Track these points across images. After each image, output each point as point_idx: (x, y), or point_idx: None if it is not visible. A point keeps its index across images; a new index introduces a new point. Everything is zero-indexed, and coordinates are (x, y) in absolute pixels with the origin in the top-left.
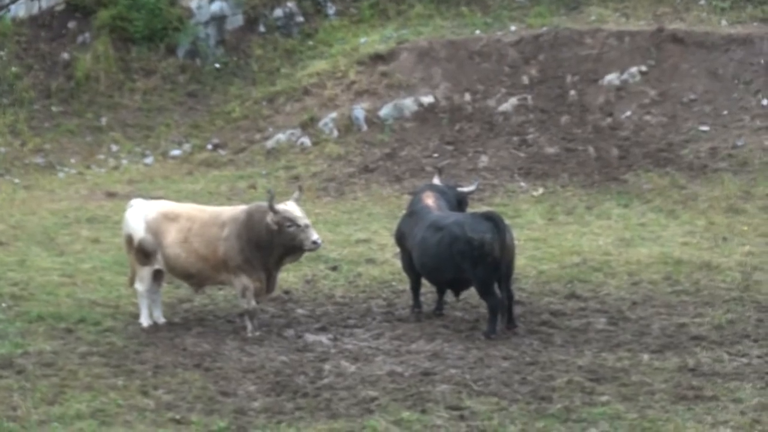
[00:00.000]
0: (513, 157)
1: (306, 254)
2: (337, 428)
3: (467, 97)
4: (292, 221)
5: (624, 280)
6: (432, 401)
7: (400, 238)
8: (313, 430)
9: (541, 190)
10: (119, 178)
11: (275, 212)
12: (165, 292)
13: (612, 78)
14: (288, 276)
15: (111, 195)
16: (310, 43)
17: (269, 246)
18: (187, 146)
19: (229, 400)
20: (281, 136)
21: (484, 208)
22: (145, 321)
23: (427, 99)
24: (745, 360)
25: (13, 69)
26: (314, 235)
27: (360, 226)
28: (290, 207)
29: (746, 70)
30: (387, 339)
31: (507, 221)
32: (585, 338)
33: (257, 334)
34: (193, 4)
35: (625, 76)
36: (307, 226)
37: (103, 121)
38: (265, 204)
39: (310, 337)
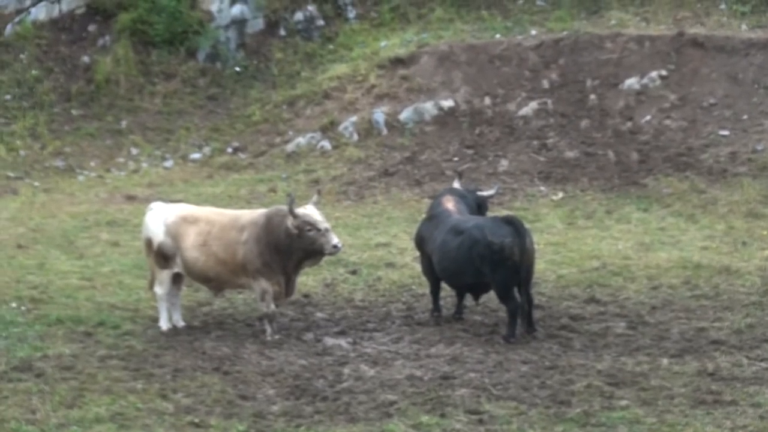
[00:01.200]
0: (533, 161)
1: (325, 258)
2: None
3: (487, 101)
4: (312, 225)
5: (643, 284)
6: (451, 405)
7: (420, 242)
8: None
9: (560, 194)
10: (139, 181)
11: (295, 216)
12: (184, 296)
13: (632, 82)
14: (307, 280)
15: (131, 198)
16: (331, 46)
17: (288, 250)
18: (207, 149)
19: (248, 403)
20: (301, 140)
21: (504, 212)
22: (164, 324)
23: (448, 103)
24: (764, 364)
25: (34, 72)
26: (335, 239)
27: (380, 229)
28: (310, 211)
29: (766, 75)
30: (406, 343)
31: (527, 225)
32: (604, 342)
33: (276, 337)
34: (214, 8)
35: (645, 80)
36: (327, 230)
37: (123, 124)
38: (284, 208)
39: (329, 341)
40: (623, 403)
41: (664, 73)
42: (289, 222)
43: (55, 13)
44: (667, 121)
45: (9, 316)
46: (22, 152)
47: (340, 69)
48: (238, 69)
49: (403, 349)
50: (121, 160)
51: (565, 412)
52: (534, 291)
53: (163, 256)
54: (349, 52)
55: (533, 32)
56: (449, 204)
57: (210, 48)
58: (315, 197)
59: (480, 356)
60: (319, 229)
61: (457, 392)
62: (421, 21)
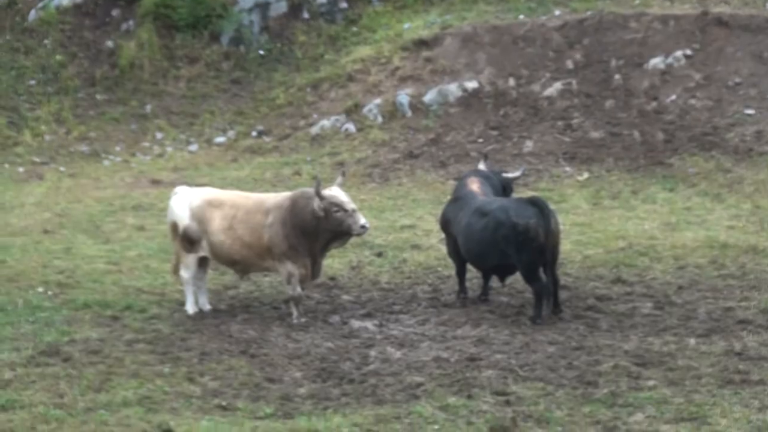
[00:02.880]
0: (558, 142)
1: (351, 240)
2: (383, 414)
3: (511, 82)
4: (339, 206)
5: (670, 264)
6: (478, 387)
7: (445, 224)
8: (359, 416)
9: (586, 175)
10: (164, 165)
11: (322, 198)
12: (210, 279)
13: (657, 62)
14: (333, 262)
15: (156, 182)
16: (354, 29)
17: (315, 232)
18: (231, 133)
19: (275, 386)
20: (326, 123)
21: (530, 193)
22: (190, 308)
23: (472, 84)
24: None
25: (58, 57)
26: (362, 219)
27: (405, 212)
28: (336, 192)
29: None
30: (433, 325)
31: (552, 206)
32: (631, 323)
33: (303, 320)
34: None
35: (669, 59)
36: (354, 211)
37: (148, 108)
38: (309, 190)
39: (355, 324)
40: (650, 383)
41: (688, 52)
42: (316, 204)
43: None
44: (692, 101)
45: (36, 301)
46: (47, 137)
47: (364, 51)
48: (261, 52)
49: (429, 331)
50: (146, 144)
51: (592, 392)
52: (560, 272)
53: (188, 240)
54: (372, 35)
55: (557, 12)
56: (474, 185)
57: (233, 31)
58: (339, 178)
59: (506, 337)
60: (346, 210)
61: (483, 374)
62: (444, 2)
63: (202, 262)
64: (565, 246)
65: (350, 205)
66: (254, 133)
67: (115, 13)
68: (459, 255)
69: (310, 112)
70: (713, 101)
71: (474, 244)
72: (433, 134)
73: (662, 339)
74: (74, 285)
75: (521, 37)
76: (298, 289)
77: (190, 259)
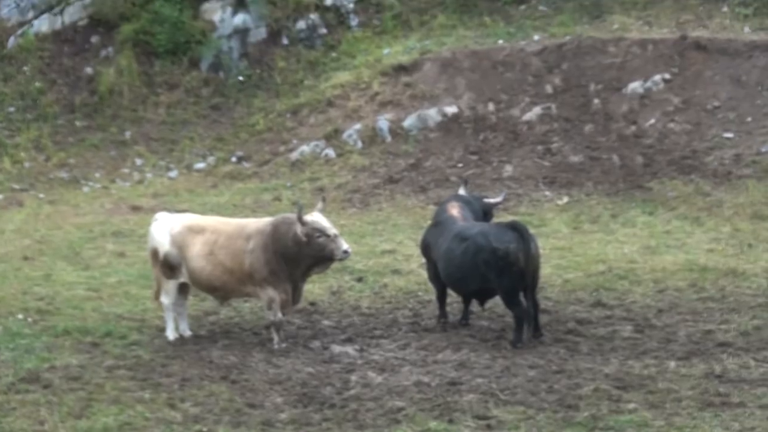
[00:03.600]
0: (537, 166)
1: (331, 265)
2: None
3: (491, 106)
4: (322, 231)
5: (650, 287)
6: (459, 411)
7: (426, 249)
8: None
9: (565, 199)
10: (144, 191)
11: (304, 223)
12: (191, 305)
13: (635, 86)
14: (314, 287)
15: (136, 209)
16: (334, 54)
17: (296, 257)
18: (211, 159)
19: (256, 412)
20: (305, 148)
21: (510, 218)
22: (171, 334)
23: (451, 109)
24: None
25: (37, 84)
26: (344, 245)
27: (385, 237)
28: (317, 218)
29: None
30: (413, 349)
31: (532, 230)
32: (611, 346)
33: (284, 345)
34: (216, 18)
35: (648, 84)
36: (336, 236)
37: (127, 135)
38: (291, 215)
39: (336, 349)
40: (631, 406)
41: (667, 76)
42: (299, 229)
43: (58, 25)
44: (671, 125)
45: (16, 328)
46: (26, 164)
47: (343, 77)
48: (241, 78)
49: (410, 356)
50: (126, 170)
51: (572, 416)
52: (540, 295)
53: (169, 266)
54: (352, 60)
55: (536, 37)
56: (454, 210)
57: (213, 58)
58: (320, 204)
59: (487, 361)
60: (328, 235)
61: (464, 398)
62: (424, 28)
63: (183, 288)
64: (545, 270)
65: (332, 230)
66: (234, 159)
67: (94, 39)
68: (439, 280)
69: (290, 138)
70: (692, 125)
71: (454, 269)
72: (412, 159)
73: (642, 362)
74: (54, 312)
75: (500, 62)
76: (279, 315)
77: (171, 285)
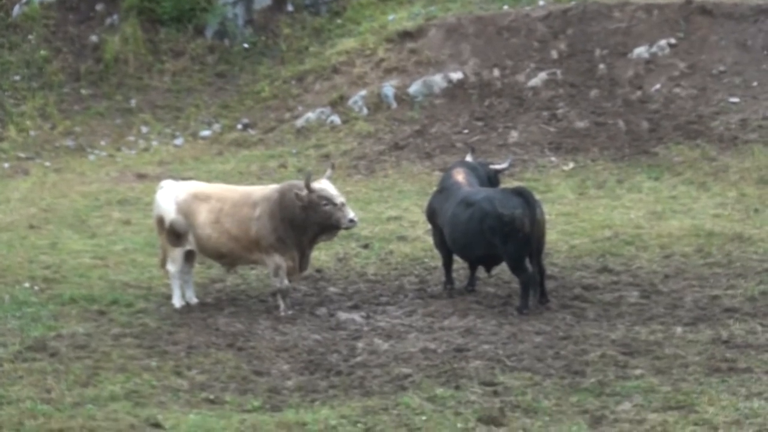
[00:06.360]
0: (543, 132)
1: (339, 232)
2: (370, 406)
3: (496, 72)
4: (329, 200)
5: (656, 253)
6: (465, 377)
7: (431, 215)
8: (346, 408)
9: (571, 165)
10: (149, 159)
11: (311, 191)
12: (197, 273)
13: (641, 51)
14: (320, 254)
15: (141, 177)
16: (339, 21)
17: (303, 225)
18: (216, 126)
19: (262, 379)
20: (311, 115)
21: (515, 184)
22: (177, 302)
23: (456, 75)
24: None
25: (42, 52)
26: (351, 213)
27: (391, 203)
28: (325, 185)
29: None
30: (420, 316)
31: (538, 196)
32: (618, 312)
33: (290, 313)
34: None
35: (654, 49)
36: (343, 204)
37: (133, 102)
38: (297, 182)
39: (342, 316)
40: (638, 372)
41: (673, 41)
42: (301, 194)
43: None
44: (677, 90)
45: (22, 296)
46: (32, 133)
47: (349, 43)
48: (246, 45)
49: (416, 322)
50: (131, 138)
51: (579, 382)
52: (546, 261)
53: (175, 234)
54: (357, 27)
55: (541, 3)
56: (459, 176)
57: (218, 25)
58: (329, 171)
59: (493, 328)
60: (335, 204)
61: (471, 364)
62: None
63: (189, 256)
64: (551, 236)
65: (339, 198)
66: (239, 126)
67: (99, 7)
68: (445, 246)
69: (295, 105)
70: (698, 90)
71: (460, 235)
72: (418, 125)
73: (649, 328)
74: (60, 280)
75: (505, 28)
76: (286, 282)
77: (177, 253)
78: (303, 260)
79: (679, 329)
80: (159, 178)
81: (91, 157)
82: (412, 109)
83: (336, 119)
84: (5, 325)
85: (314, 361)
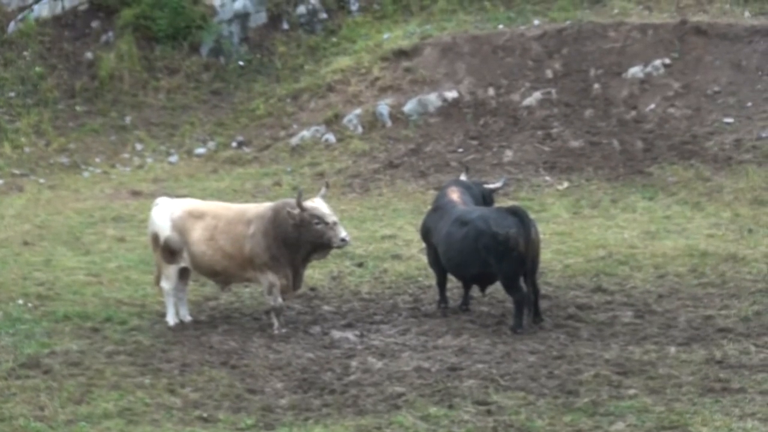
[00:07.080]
0: (537, 151)
1: (332, 251)
2: (364, 424)
3: (491, 91)
4: (320, 218)
5: (650, 272)
6: (459, 396)
7: (426, 234)
8: (340, 426)
9: (566, 184)
10: (144, 176)
11: (303, 209)
12: (191, 290)
13: (636, 71)
14: (314, 273)
15: (136, 194)
16: (334, 39)
17: (296, 243)
18: (211, 144)
19: (256, 397)
20: (306, 133)
21: (510, 203)
22: (171, 319)
23: (451, 94)
24: None
25: (37, 69)
26: (343, 232)
27: (385, 222)
28: (318, 204)
29: None
30: (413, 335)
31: (532, 215)
32: (611, 332)
33: (284, 331)
34: (217, 2)
35: (648, 68)
36: (335, 223)
37: (128, 120)
38: (291, 200)
39: (336, 334)
40: (631, 392)
41: (667, 61)
42: (293, 213)
43: (58, 9)
44: (672, 110)
45: (16, 313)
46: (26, 149)
47: (344, 62)
48: (241, 63)
49: (410, 341)
50: (126, 155)
51: (573, 401)
52: (540, 281)
53: (169, 251)
54: (352, 45)
55: (536, 22)
56: (454, 195)
57: (213, 42)
58: (323, 190)
59: (487, 347)
60: (327, 222)
61: (464, 383)
62: (424, 12)
63: (183, 273)
64: (546, 255)
65: (331, 217)
66: (234, 144)
67: (94, 24)
68: (439, 264)
69: (290, 123)
70: (692, 110)
71: (454, 254)
72: (413, 144)
73: (643, 348)
74: (54, 297)
75: (501, 47)
76: (279, 300)
77: (171, 270)
78: (297, 278)
79: (672, 349)
80: (153, 195)
81: (86, 174)
82: (406, 128)
83: (331, 137)
84: None
85: (308, 380)
